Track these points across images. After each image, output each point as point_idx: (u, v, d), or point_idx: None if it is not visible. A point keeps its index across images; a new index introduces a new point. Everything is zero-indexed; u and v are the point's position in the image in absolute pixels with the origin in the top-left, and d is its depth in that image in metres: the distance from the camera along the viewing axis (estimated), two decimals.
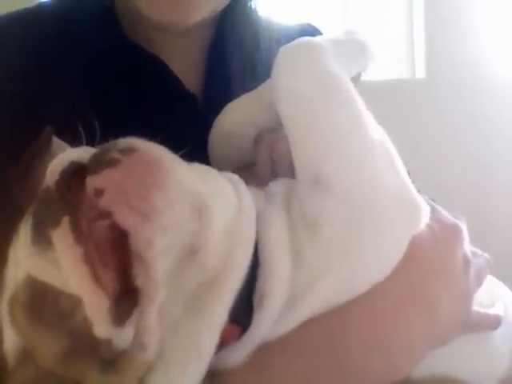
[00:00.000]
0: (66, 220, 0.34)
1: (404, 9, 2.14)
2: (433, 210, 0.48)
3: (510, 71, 2.18)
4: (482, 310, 0.48)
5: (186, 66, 0.67)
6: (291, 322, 0.41)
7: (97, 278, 0.33)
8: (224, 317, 0.39)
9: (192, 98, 0.64)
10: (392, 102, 1.88)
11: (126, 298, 0.34)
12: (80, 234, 0.34)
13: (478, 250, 0.53)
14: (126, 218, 0.33)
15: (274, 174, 0.51)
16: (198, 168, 0.43)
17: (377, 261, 0.43)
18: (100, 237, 0.34)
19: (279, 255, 0.42)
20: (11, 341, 0.38)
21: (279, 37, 0.66)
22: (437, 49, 2.08)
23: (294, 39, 0.50)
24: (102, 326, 0.34)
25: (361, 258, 0.42)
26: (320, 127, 0.44)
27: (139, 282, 0.34)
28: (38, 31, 0.63)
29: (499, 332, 0.49)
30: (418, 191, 0.49)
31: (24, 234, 0.37)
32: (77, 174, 0.35)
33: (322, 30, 0.81)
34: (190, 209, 0.36)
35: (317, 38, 0.50)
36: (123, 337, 0.35)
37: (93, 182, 0.34)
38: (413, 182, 0.57)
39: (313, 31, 0.78)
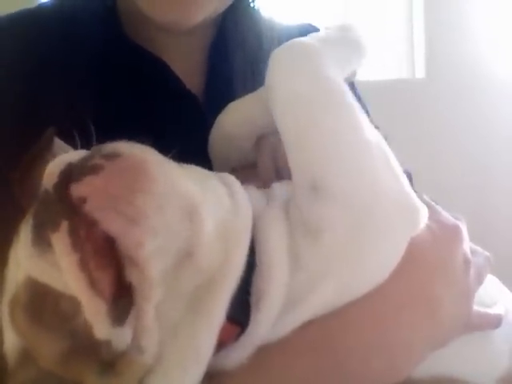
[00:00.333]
0: (64, 224, 0.34)
1: (404, 10, 2.14)
2: (432, 211, 0.48)
3: (510, 71, 2.18)
4: (483, 310, 0.48)
5: (188, 66, 0.67)
6: (291, 324, 0.41)
7: (93, 283, 0.34)
8: (222, 317, 0.39)
9: (193, 98, 0.65)
10: (392, 102, 1.88)
11: (124, 297, 0.35)
12: (77, 240, 0.34)
13: (479, 248, 0.52)
14: (110, 224, 0.33)
15: (279, 177, 0.51)
16: (190, 169, 0.43)
17: (377, 264, 0.43)
18: (97, 240, 0.34)
19: (277, 257, 0.42)
20: (11, 342, 0.38)
21: (281, 37, 0.66)
22: (436, 49, 2.08)
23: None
24: (101, 327, 0.34)
25: (361, 261, 0.42)
26: (317, 130, 0.44)
27: (134, 282, 0.34)
28: (39, 32, 0.63)
29: (499, 331, 0.49)
30: (418, 191, 0.49)
31: (25, 235, 0.38)
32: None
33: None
34: (179, 211, 0.36)
35: (310, 38, 0.50)
36: (122, 338, 0.35)
37: (76, 189, 0.34)
38: (414, 183, 0.57)
39: (314, 31, 0.78)
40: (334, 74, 0.47)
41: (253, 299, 0.41)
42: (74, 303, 0.34)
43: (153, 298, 0.35)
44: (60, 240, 0.34)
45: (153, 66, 0.63)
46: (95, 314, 0.34)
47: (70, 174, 0.35)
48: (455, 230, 0.49)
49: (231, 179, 0.46)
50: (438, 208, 0.50)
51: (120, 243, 0.34)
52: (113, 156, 0.36)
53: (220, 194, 0.43)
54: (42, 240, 0.35)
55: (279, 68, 0.47)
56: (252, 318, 0.41)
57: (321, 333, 0.42)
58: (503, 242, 1.81)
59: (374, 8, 2.10)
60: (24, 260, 0.37)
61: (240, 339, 0.41)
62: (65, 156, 0.37)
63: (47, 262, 0.35)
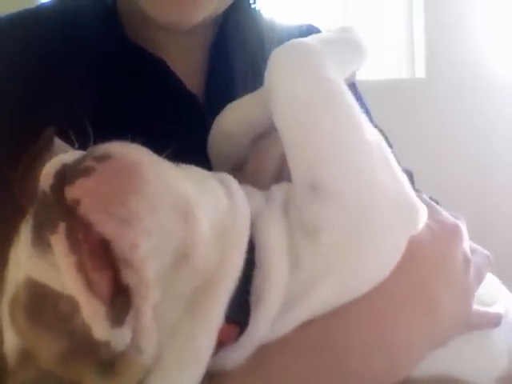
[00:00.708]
0: (62, 226, 0.34)
1: (404, 10, 2.14)
2: (432, 210, 0.48)
3: (510, 71, 2.18)
4: (482, 309, 0.48)
5: (189, 66, 0.67)
6: (290, 324, 0.41)
7: (91, 285, 0.34)
8: (220, 318, 0.39)
9: (193, 98, 0.65)
10: (392, 102, 1.88)
11: (121, 297, 0.35)
12: (74, 242, 0.34)
13: (479, 247, 0.52)
14: (104, 226, 0.33)
15: (278, 178, 0.51)
16: (188, 169, 0.43)
17: (376, 263, 0.43)
18: (94, 242, 0.34)
19: (277, 257, 0.42)
20: (11, 341, 0.38)
21: (281, 37, 0.66)
22: (437, 49, 2.08)
23: None
24: (99, 328, 0.34)
25: (361, 261, 0.42)
26: (316, 131, 0.44)
27: (130, 282, 0.34)
28: (39, 32, 0.63)
29: (498, 330, 0.49)
30: (419, 191, 0.48)
31: (25, 235, 0.38)
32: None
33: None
34: (174, 211, 0.36)
35: (310, 39, 0.49)
36: (121, 338, 0.36)
37: (70, 192, 0.34)
38: (415, 183, 0.57)
39: (315, 32, 0.78)
40: (334, 74, 0.47)
41: (252, 299, 0.41)
42: (73, 304, 0.34)
43: (150, 299, 0.35)
44: (58, 241, 0.34)
45: (153, 66, 0.63)
46: (93, 315, 0.34)
47: (65, 176, 0.35)
48: (455, 229, 0.49)
49: (230, 179, 0.46)
50: (438, 207, 0.50)
51: (114, 245, 0.34)
52: (104, 158, 0.35)
53: (218, 194, 0.43)
54: (41, 241, 0.36)
55: (279, 68, 0.47)
56: (251, 318, 0.41)
57: (321, 332, 0.42)
58: (504, 242, 1.81)
59: (375, 8, 2.10)
60: (24, 260, 0.37)
61: (239, 339, 0.41)
62: (60, 157, 0.37)
63: (47, 263, 0.35)
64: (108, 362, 0.36)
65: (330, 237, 0.42)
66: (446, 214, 0.50)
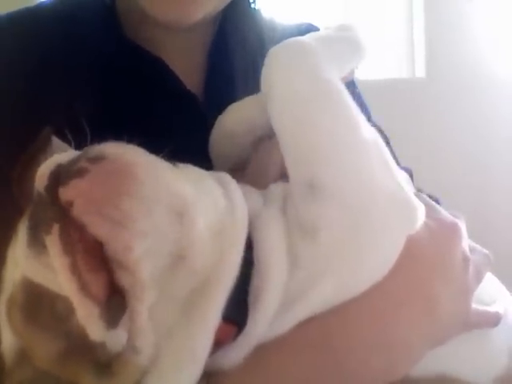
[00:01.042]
0: (56, 227, 0.34)
1: (404, 9, 2.14)
2: (431, 209, 0.48)
3: (510, 71, 2.18)
4: (481, 308, 0.48)
5: (188, 65, 0.67)
6: (289, 322, 0.41)
7: (84, 286, 0.33)
8: (218, 318, 0.39)
9: (192, 97, 0.64)
10: (392, 102, 1.88)
11: (117, 298, 0.34)
12: (68, 243, 0.33)
13: (478, 246, 0.52)
14: (97, 228, 0.33)
15: (276, 178, 0.51)
16: (185, 169, 0.43)
17: (375, 261, 0.43)
18: (88, 243, 0.34)
19: (275, 256, 0.42)
20: (9, 341, 0.38)
21: (281, 36, 0.66)
22: (437, 49, 2.08)
23: None
24: (94, 329, 0.34)
25: (360, 259, 0.42)
26: (314, 130, 0.44)
27: (125, 284, 0.34)
28: (38, 31, 0.63)
29: (498, 330, 0.49)
30: (419, 190, 0.48)
31: (21, 235, 0.37)
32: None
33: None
34: (169, 212, 0.36)
35: (307, 37, 0.49)
36: (116, 339, 0.35)
37: (63, 193, 0.34)
38: (415, 182, 0.57)
39: (314, 31, 0.78)
40: (331, 73, 0.47)
41: (250, 299, 0.41)
42: (69, 304, 0.34)
43: (145, 300, 0.35)
44: (52, 242, 0.34)
45: (152, 65, 0.63)
46: (87, 317, 0.34)
47: (59, 177, 0.35)
48: (454, 228, 0.49)
49: (228, 179, 0.46)
50: (437, 206, 0.50)
51: (108, 247, 0.33)
52: (99, 158, 0.35)
53: (215, 194, 0.42)
54: (37, 241, 0.35)
55: (276, 67, 0.47)
56: (250, 317, 0.40)
57: (319, 331, 0.42)
58: (503, 242, 1.81)
59: (375, 8, 2.10)
60: (21, 260, 0.37)
61: (237, 339, 0.41)
62: (55, 157, 0.37)
63: (42, 264, 0.35)
64: (105, 362, 0.36)
65: (329, 236, 0.41)
66: (445, 213, 0.50)
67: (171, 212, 0.36)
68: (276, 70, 0.47)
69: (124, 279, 0.34)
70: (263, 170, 0.53)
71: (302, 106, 0.45)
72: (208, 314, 0.39)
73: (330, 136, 0.44)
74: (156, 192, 0.36)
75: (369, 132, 0.45)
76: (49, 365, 0.36)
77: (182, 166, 0.42)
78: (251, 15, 0.70)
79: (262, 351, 0.41)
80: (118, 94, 0.60)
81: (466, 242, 0.49)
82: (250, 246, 0.42)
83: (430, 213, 0.47)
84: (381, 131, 0.48)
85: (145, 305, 0.35)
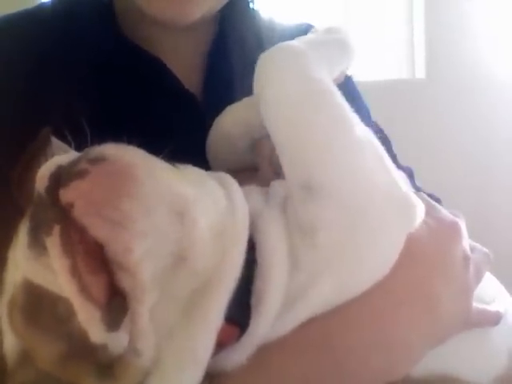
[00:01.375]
0: (57, 228, 0.34)
1: (404, 10, 2.14)
2: (431, 208, 0.48)
3: (510, 72, 2.19)
4: (481, 307, 0.48)
5: (186, 64, 0.67)
6: (290, 323, 0.41)
7: (85, 288, 0.33)
8: (220, 319, 0.39)
9: (191, 97, 0.64)
10: (392, 102, 1.88)
11: (117, 300, 0.34)
12: (69, 245, 0.33)
13: (478, 245, 0.52)
14: (97, 229, 0.33)
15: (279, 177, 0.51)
16: (186, 170, 0.43)
17: (375, 261, 0.43)
18: (89, 245, 0.34)
19: (277, 257, 0.42)
20: (11, 343, 0.38)
21: (280, 37, 0.66)
22: (437, 50, 2.09)
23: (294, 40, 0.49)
24: (95, 332, 0.34)
25: (359, 259, 0.42)
26: (310, 131, 0.44)
27: (126, 286, 0.34)
28: (37, 32, 0.63)
29: (498, 329, 0.49)
30: (419, 189, 0.48)
31: (22, 236, 0.37)
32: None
33: None
34: (169, 213, 0.36)
35: (297, 41, 0.50)
36: (118, 341, 0.35)
37: (64, 195, 0.34)
38: (415, 182, 0.57)
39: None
40: (322, 74, 0.47)
41: (253, 298, 0.41)
42: (70, 306, 0.34)
43: (146, 302, 0.35)
44: (53, 244, 0.34)
45: (150, 64, 0.63)
46: (88, 319, 0.34)
47: (59, 178, 0.35)
48: (454, 227, 0.49)
49: (228, 179, 0.45)
50: (437, 205, 0.50)
51: (108, 249, 0.33)
52: (99, 160, 0.35)
53: (216, 194, 0.42)
54: (37, 243, 0.35)
55: (268, 70, 0.47)
56: (252, 319, 0.40)
57: (320, 331, 0.42)
58: (503, 242, 1.81)
59: (375, 8, 2.11)
60: (21, 261, 0.37)
61: (240, 340, 0.40)
62: (56, 159, 0.37)
63: (43, 265, 0.35)
64: (106, 364, 0.36)
65: (328, 236, 0.41)
66: (444, 212, 0.50)
67: (172, 212, 0.36)
68: (267, 71, 0.47)
69: (124, 281, 0.34)
70: (270, 168, 0.53)
71: (294, 106, 0.45)
72: (209, 314, 0.39)
73: (324, 136, 0.44)
74: (156, 193, 0.36)
75: (363, 130, 0.45)
76: (50, 366, 0.36)
77: (181, 166, 0.42)
78: (250, 15, 0.70)
79: (263, 352, 0.41)
80: (116, 92, 0.60)
81: (466, 241, 0.49)
82: (252, 247, 0.42)
83: (430, 212, 0.47)
84: (381, 132, 0.48)
85: (146, 306, 0.35)
